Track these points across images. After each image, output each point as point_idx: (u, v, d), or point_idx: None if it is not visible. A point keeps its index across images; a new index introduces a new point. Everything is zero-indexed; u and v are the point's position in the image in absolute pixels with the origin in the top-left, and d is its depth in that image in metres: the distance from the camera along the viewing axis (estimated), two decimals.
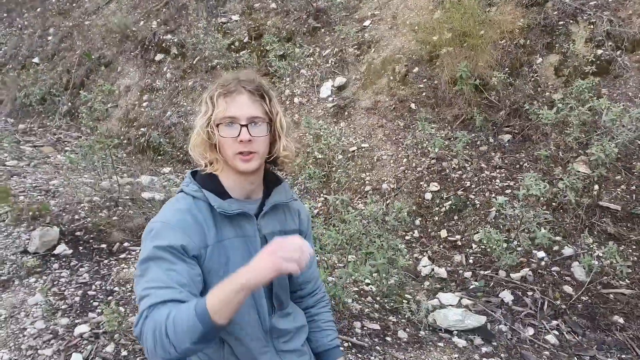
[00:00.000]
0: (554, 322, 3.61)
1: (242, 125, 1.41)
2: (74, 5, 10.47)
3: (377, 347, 3.28)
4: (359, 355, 3.18)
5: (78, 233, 4.55)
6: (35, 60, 9.85)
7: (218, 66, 7.36)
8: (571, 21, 5.22)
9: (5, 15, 11.43)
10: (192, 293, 1.35)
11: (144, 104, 7.83)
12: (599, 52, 4.95)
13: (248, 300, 1.49)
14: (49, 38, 10.06)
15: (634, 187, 4.29)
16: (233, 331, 1.52)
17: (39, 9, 10.94)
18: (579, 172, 4.28)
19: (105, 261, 4.19)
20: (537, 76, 5.15)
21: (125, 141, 7.53)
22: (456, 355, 3.28)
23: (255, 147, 1.44)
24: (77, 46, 9.45)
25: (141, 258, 1.39)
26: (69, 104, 8.74)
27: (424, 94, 5.63)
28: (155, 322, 1.23)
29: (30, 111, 9.06)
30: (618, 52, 4.91)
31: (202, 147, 1.47)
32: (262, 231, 1.55)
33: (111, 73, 8.64)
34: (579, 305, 3.71)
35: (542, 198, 4.00)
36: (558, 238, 4.17)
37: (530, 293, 3.83)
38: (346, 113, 5.96)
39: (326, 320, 1.83)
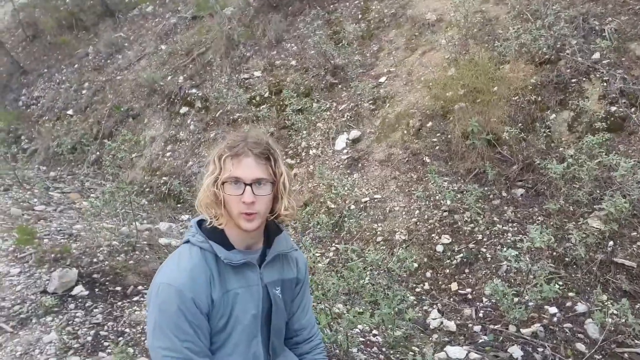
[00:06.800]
0: None
1: (246, 185, 1.49)
2: (109, 61, 11.09)
3: None
4: None
5: (95, 275, 4.66)
6: (70, 112, 10.35)
7: (239, 119, 7.64)
8: (584, 79, 5.29)
9: (45, 70, 12.12)
10: (204, 354, 1.51)
11: (167, 154, 8.11)
12: (613, 108, 4.98)
13: (244, 346, 1.57)
14: (84, 92, 10.61)
15: None
16: None
17: (76, 65, 11.60)
18: (592, 227, 4.22)
19: (119, 303, 4.28)
20: (550, 132, 5.18)
21: (147, 189, 7.76)
22: None
23: (257, 208, 1.51)
24: (109, 99, 9.93)
25: (152, 318, 1.49)
26: (97, 153, 9.10)
27: (437, 147, 5.70)
28: None
29: (62, 160, 9.45)
30: (632, 109, 4.93)
31: (208, 203, 1.55)
32: (264, 280, 1.63)
33: (138, 124, 9.02)
34: None
35: (548, 251, 3.93)
36: (571, 294, 4.07)
37: (540, 349, 3.71)
38: (360, 165, 6.06)
39: None
